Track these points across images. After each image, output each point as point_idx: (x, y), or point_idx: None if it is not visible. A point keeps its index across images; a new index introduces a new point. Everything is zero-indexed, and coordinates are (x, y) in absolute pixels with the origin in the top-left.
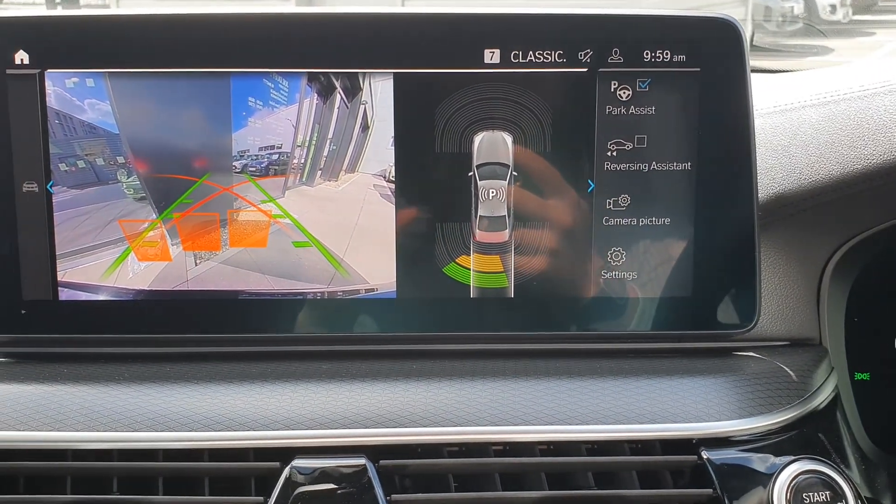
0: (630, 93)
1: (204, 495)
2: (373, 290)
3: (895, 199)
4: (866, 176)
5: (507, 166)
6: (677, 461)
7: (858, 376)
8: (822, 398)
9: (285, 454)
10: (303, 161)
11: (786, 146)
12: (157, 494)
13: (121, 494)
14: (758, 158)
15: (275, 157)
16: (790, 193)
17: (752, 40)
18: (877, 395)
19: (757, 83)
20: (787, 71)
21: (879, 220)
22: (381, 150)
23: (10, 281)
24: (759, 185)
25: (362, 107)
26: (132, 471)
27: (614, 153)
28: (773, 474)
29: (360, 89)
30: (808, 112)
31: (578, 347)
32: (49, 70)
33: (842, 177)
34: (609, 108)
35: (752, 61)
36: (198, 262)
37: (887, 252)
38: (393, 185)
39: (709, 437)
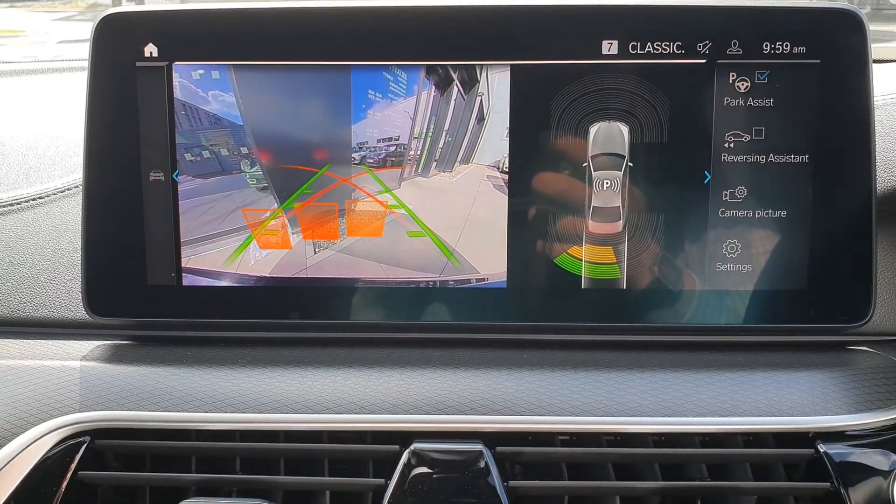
0: (748, 84)
1: (324, 477)
2: (484, 279)
3: None
4: None
5: (623, 157)
6: (795, 454)
7: None
8: None
9: (404, 438)
10: (419, 153)
11: None
12: (279, 475)
13: (243, 474)
14: (877, 150)
15: (392, 148)
16: None
17: None
18: None
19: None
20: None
21: None
22: (495, 142)
23: (137, 266)
24: (877, 177)
25: (478, 98)
26: (254, 451)
27: (732, 145)
28: (893, 469)
29: (477, 81)
30: None
31: (690, 340)
32: (176, 63)
33: None
34: (727, 100)
35: None
36: (316, 250)
37: None
38: (507, 176)
39: (825, 431)
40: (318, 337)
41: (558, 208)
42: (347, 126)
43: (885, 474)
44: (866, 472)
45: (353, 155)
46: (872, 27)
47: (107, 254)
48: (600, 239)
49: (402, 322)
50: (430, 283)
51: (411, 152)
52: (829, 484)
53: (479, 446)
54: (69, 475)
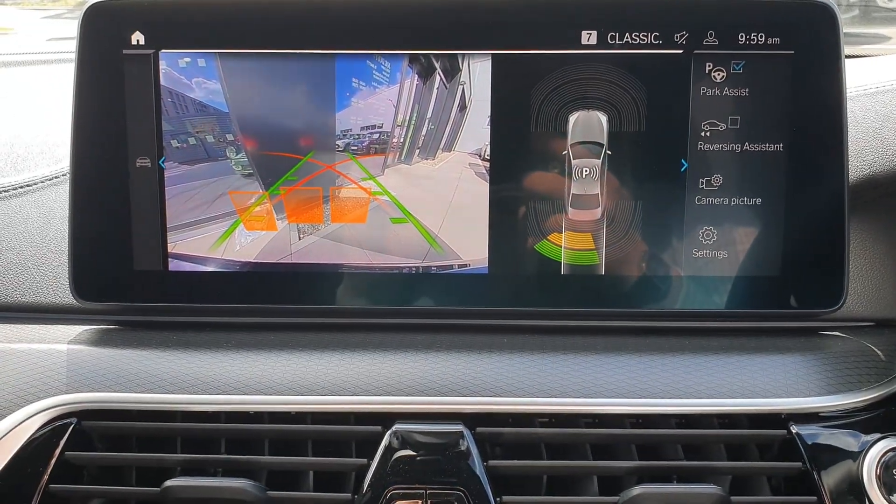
0: (724, 74)
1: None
2: (465, 265)
3: None
4: None
5: (602, 145)
6: (768, 435)
7: None
8: None
9: (386, 419)
10: (402, 140)
11: (877, 129)
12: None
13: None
14: (849, 140)
15: (376, 136)
16: (881, 175)
17: None
18: None
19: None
20: (857, 56)
21: None
22: (477, 130)
23: (123, 252)
24: (850, 166)
25: (461, 87)
26: (239, 433)
27: (708, 134)
28: (862, 450)
29: (459, 70)
30: None
31: (667, 325)
32: (163, 50)
33: None
34: (703, 90)
35: None
36: (301, 235)
37: None
38: (488, 164)
39: (797, 413)
40: (303, 322)
41: (538, 196)
42: (331, 114)
43: (855, 455)
44: (837, 452)
45: (337, 142)
46: (861, 29)
47: (93, 239)
48: (579, 226)
49: (386, 307)
50: (413, 269)
51: (394, 140)
52: (800, 464)
53: (459, 427)
54: (56, 455)
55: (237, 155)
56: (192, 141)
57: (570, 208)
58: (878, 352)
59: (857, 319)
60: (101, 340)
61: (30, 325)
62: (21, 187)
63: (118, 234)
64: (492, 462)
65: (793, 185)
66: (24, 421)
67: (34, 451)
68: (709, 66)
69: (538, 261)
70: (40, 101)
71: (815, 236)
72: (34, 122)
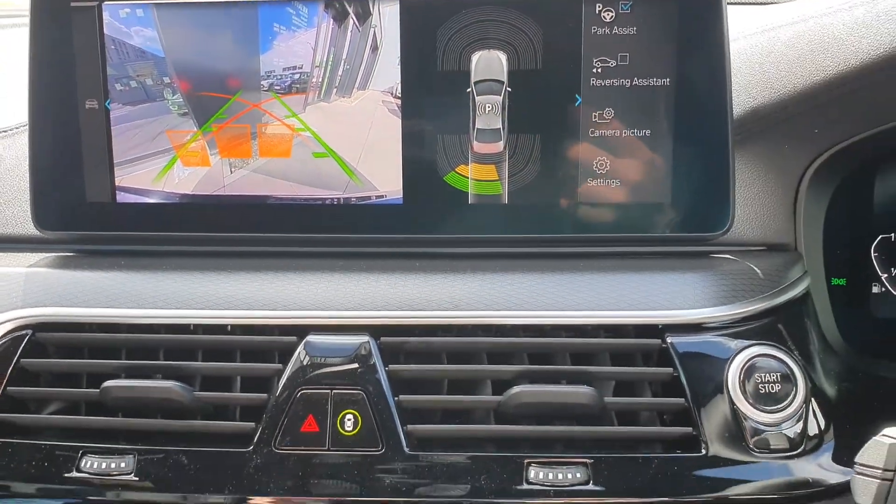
0: (613, 14)
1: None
2: (382, 196)
3: (864, 111)
4: (828, 85)
5: (502, 83)
6: (643, 344)
7: (835, 282)
8: (789, 295)
9: (301, 331)
10: (321, 79)
11: (760, 63)
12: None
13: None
14: (734, 75)
15: (297, 76)
16: (764, 107)
17: None
18: (853, 300)
19: (737, 14)
20: (745, 3)
21: (852, 132)
22: (389, 69)
23: (76, 185)
24: (735, 100)
25: (372, 30)
26: (176, 342)
27: (599, 70)
28: (729, 357)
29: (370, 14)
30: (781, 31)
31: (565, 251)
32: (106, 2)
33: (810, 87)
34: (594, 29)
35: None
36: (232, 170)
37: (866, 163)
38: (399, 101)
39: (674, 324)
40: (234, 250)
41: (446, 130)
42: (256, 56)
43: (723, 362)
44: (707, 360)
45: (261, 82)
46: None
47: (50, 174)
48: (484, 158)
49: (309, 235)
50: (335, 200)
51: (314, 79)
52: (671, 370)
53: (365, 337)
54: (13, 362)
55: (173, 96)
56: (133, 84)
57: (474, 141)
58: (759, 271)
59: (748, 244)
60: (56, 264)
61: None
62: None
63: (72, 170)
64: (391, 367)
65: (680, 117)
66: None
67: None
68: (599, 6)
69: (447, 191)
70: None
71: (702, 164)
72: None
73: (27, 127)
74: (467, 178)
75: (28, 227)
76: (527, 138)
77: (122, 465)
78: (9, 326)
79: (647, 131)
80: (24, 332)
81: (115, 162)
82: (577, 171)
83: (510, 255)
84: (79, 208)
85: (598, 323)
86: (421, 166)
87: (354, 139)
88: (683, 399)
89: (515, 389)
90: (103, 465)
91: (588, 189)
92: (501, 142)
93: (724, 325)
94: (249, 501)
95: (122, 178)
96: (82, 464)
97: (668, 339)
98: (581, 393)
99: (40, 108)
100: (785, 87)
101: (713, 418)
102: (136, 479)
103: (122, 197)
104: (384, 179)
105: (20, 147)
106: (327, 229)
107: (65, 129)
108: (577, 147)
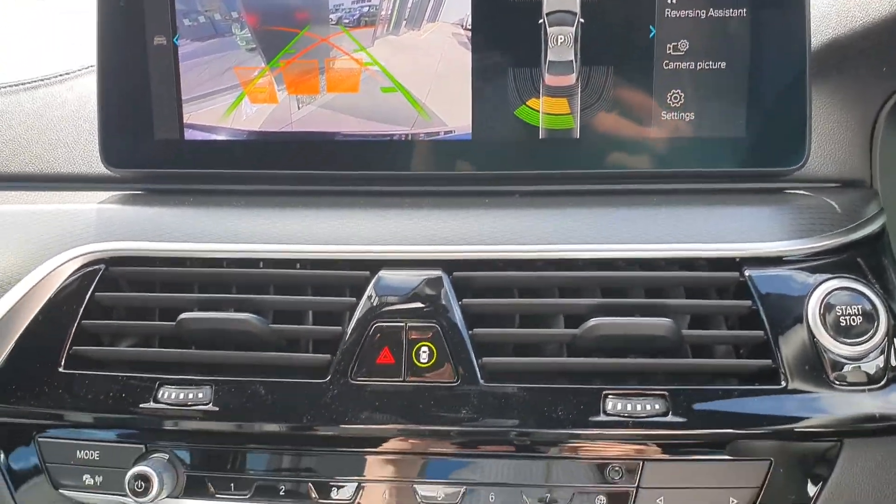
0: None
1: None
2: (451, 131)
3: None
4: None
5: (574, 14)
6: (720, 278)
7: None
8: (867, 231)
9: (373, 265)
10: (390, 12)
11: None
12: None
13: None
14: (812, 7)
15: (365, 9)
16: (843, 38)
17: None
18: None
19: None
20: None
21: None
22: (458, 1)
23: (144, 123)
24: (813, 32)
25: None
26: (248, 277)
27: (674, 0)
28: (808, 291)
29: None
30: None
31: (637, 187)
32: None
33: (890, 18)
34: None
35: None
36: (300, 106)
37: None
38: (469, 34)
39: (752, 257)
40: (301, 189)
41: (517, 63)
42: None
43: (802, 295)
44: (786, 293)
45: (330, 16)
46: None
47: (119, 113)
48: (556, 91)
49: (377, 172)
50: (403, 136)
51: (382, 12)
52: (749, 303)
53: (438, 272)
54: (87, 297)
55: (241, 31)
56: (201, 19)
57: (546, 74)
58: (836, 205)
59: (823, 181)
60: (126, 201)
61: (67, 193)
62: (59, 76)
63: (140, 107)
64: (465, 300)
65: (756, 48)
66: (60, 266)
67: (69, 293)
68: None
69: (517, 126)
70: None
71: (779, 98)
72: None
73: (95, 66)
74: (538, 112)
75: (96, 167)
76: (599, 71)
77: (200, 395)
78: (82, 261)
79: (723, 63)
80: (97, 266)
81: (182, 99)
82: (651, 105)
83: (580, 193)
84: (147, 146)
85: (672, 256)
86: (490, 100)
87: (423, 73)
88: (762, 332)
89: (593, 321)
90: (181, 396)
91: (661, 123)
92: (573, 74)
93: (803, 258)
94: (327, 430)
95: (190, 115)
96: (159, 394)
97: (747, 273)
98: (660, 325)
99: (108, 45)
100: (864, 18)
101: (792, 351)
102: (216, 408)
103: (189, 134)
104: (453, 114)
105: (84, 88)
106: (395, 166)
107: (133, 66)
108: (651, 80)
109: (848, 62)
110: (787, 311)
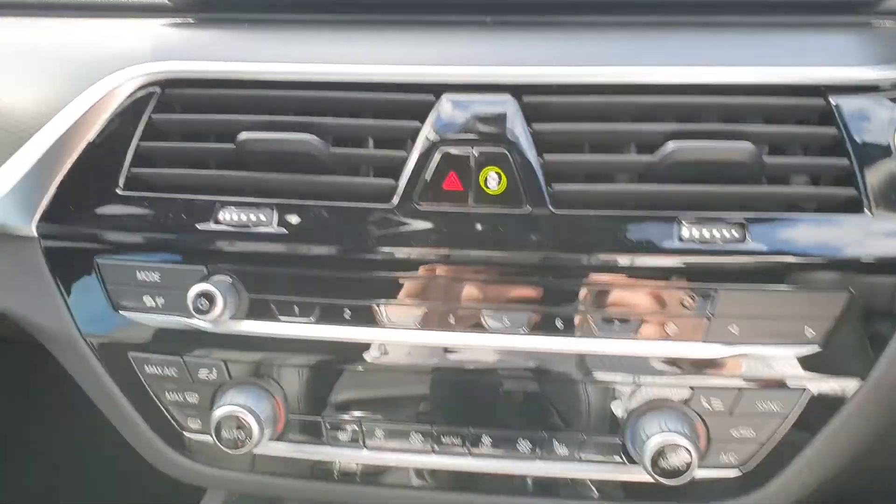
0: None
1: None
2: None
3: None
4: None
5: None
6: (804, 104)
7: None
8: None
9: (437, 89)
10: None
11: None
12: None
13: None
14: None
15: None
16: None
17: None
18: None
19: None
20: None
21: None
22: None
23: None
24: None
25: None
26: (307, 99)
27: None
28: None
29: None
30: None
31: (719, 19)
32: None
33: None
34: None
35: None
36: None
37: None
38: None
39: (839, 84)
40: (361, 18)
41: None
42: None
43: (892, 124)
44: (872, 121)
45: None
46: None
47: None
48: None
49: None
50: None
51: None
52: (834, 129)
53: (507, 96)
54: (144, 119)
55: None
56: None
57: None
58: None
59: None
60: (182, 25)
61: (127, 20)
62: None
63: None
64: (536, 125)
65: None
66: (115, 87)
67: (125, 115)
68: None
69: None
70: None
71: None
72: None
73: None
74: None
75: None
76: None
77: (262, 217)
78: (138, 82)
79: None
80: (152, 88)
81: None
82: None
83: (651, 24)
84: None
85: (753, 82)
86: None
87: None
88: (847, 160)
89: (671, 145)
90: (242, 217)
91: None
92: None
93: (891, 86)
94: (393, 255)
95: None
96: (220, 216)
97: (833, 101)
98: (742, 149)
99: None
100: None
101: (879, 181)
102: (280, 230)
103: None
104: None
105: None
106: None
107: None
108: None
109: None
110: (875, 141)
